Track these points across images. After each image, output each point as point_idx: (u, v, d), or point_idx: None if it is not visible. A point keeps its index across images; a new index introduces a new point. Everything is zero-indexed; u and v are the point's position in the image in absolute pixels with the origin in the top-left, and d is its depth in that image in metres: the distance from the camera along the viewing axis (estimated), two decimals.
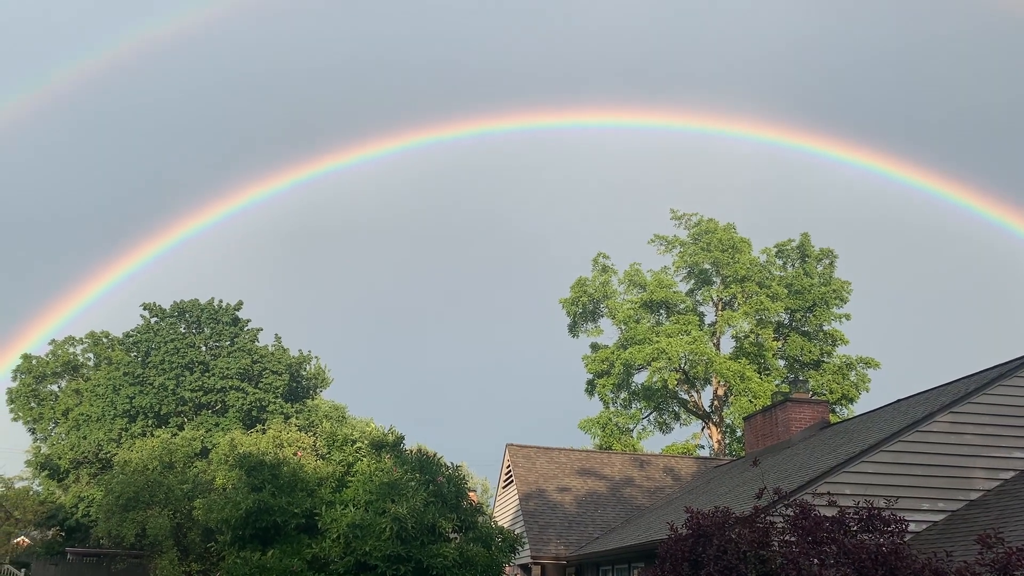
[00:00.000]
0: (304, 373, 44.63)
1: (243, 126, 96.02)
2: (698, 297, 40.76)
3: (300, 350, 44.38)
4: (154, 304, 41.83)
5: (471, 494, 16.84)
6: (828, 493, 11.75)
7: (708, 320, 40.37)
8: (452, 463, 16.02)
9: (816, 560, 9.45)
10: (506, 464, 27.37)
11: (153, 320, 41.55)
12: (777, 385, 36.44)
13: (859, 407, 37.09)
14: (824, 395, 36.37)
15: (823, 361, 38.76)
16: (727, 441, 38.62)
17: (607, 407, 39.57)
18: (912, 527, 12.02)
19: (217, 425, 37.95)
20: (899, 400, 18.52)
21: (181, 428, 37.83)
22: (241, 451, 27.27)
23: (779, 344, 39.12)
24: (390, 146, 67.16)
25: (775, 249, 40.83)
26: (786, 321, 39.65)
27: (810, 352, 38.39)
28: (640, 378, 39.00)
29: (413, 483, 15.15)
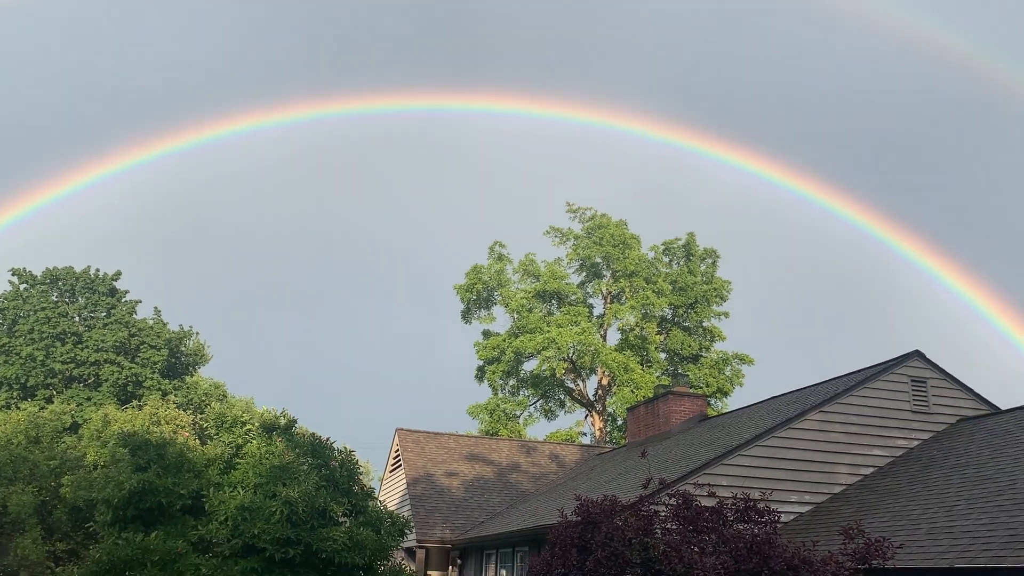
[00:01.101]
0: (184, 349, 43.16)
1: (123, 84, 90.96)
2: (588, 289, 41.81)
3: (180, 325, 42.93)
4: (24, 270, 39.53)
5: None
6: (708, 484, 12.45)
7: (597, 312, 41.48)
8: (346, 447, 16.01)
9: (696, 548, 10.03)
10: (395, 448, 27.43)
11: (23, 287, 39.27)
12: (658, 377, 37.85)
13: (733, 401, 39.04)
14: (702, 388, 38.03)
15: (702, 356, 40.51)
16: (609, 429, 39.85)
17: (496, 393, 40.12)
18: (782, 518, 12.88)
19: (89, 399, 36.32)
20: (773, 397, 19.68)
21: (50, 401, 35.99)
22: (118, 427, 26.28)
23: (662, 338, 40.61)
24: (280, 118, 65.30)
25: (663, 247, 42.30)
26: (669, 316, 41.19)
27: (690, 347, 40.04)
28: (530, 366, 39.78)
29: (305, 467, 15.06)
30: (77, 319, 39.32)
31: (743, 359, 39.95)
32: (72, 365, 37.33)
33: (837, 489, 15.38)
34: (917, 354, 16.64)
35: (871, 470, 15.65)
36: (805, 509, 15.02)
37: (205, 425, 28.44)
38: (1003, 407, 16.46)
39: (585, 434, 40.84)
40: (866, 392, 16.16)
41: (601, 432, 39.49)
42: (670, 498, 10.99)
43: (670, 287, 40.03)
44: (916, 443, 16.05)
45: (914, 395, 16.38)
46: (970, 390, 16.76)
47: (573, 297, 40.92)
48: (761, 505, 10.67)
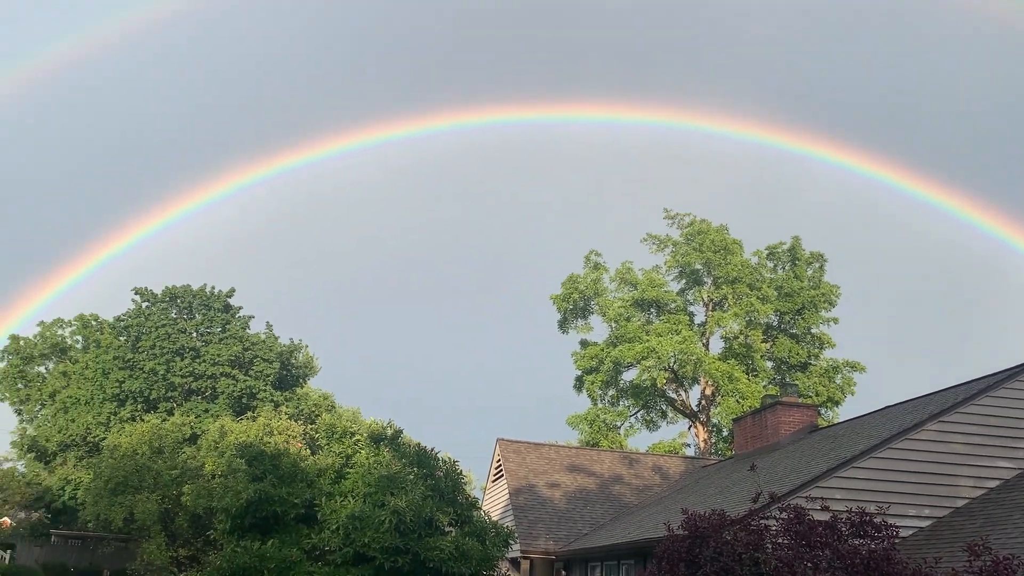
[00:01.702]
0: (294, 361, 44.81)
1: (237, 111, 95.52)
2: (689, 297, 41.12)
3: (291, 338, 44.64)
4: (146, 289, 41.83)
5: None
6: (821, 498, 12.05)
7: (698, 320, 40.74)
8: (449, 457, 16.25)
9: (810, 564, 9.72)
10: (496, 458, 27.63)
11: (144, 305, 41.55)
12: (765, 387, 36.87)
13: (844, 410, 37.62)
14: (810, 397, 36.81)
15: (810, 364, 39.22)
16: (713, 441, 39.04)
17: (595, 404, 39.88)
18: (901, 533, 12.35)
19: (207, 411, 38.07)
20: (886, 407, 18.88)
21: (171, 413, 37.91)
22: (234, 438, 27.46)
23: (767, 346, 39.53)
24: (382, 135, 67.08)
25: (766, 251, 41.22)
26: (775, 323, 40.06)
27: (798, 355, 38.83)
28: (629, 376, 39.38)
29: (411, 477, 15.38)
30: (195, 335, 41.31)
31: (854, 367, 38.46)
32: (191, 379, 39.21)
33: (959, 503, 14.61)
34: None
35: (996, 483, 14.80)
36: (925, 524, 14.33)
37: (316, 435, 29.37)
38: None
39: (689, 445, 40.17)
40: (988, 401, 15.30)
41: (706, 443, 38.72)
42: (781, 512, 10.69)
43: (775, 293, 38.92)
44: None
45: None
46: None
47: (673, 305, 40.32)
48: (878, 519, 10.27)
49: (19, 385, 45.37)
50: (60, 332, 46.53)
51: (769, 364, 39.32)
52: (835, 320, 39.49)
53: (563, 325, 41.82)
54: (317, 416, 37.83)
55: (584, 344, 41.38)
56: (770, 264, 40.91)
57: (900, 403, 18.55)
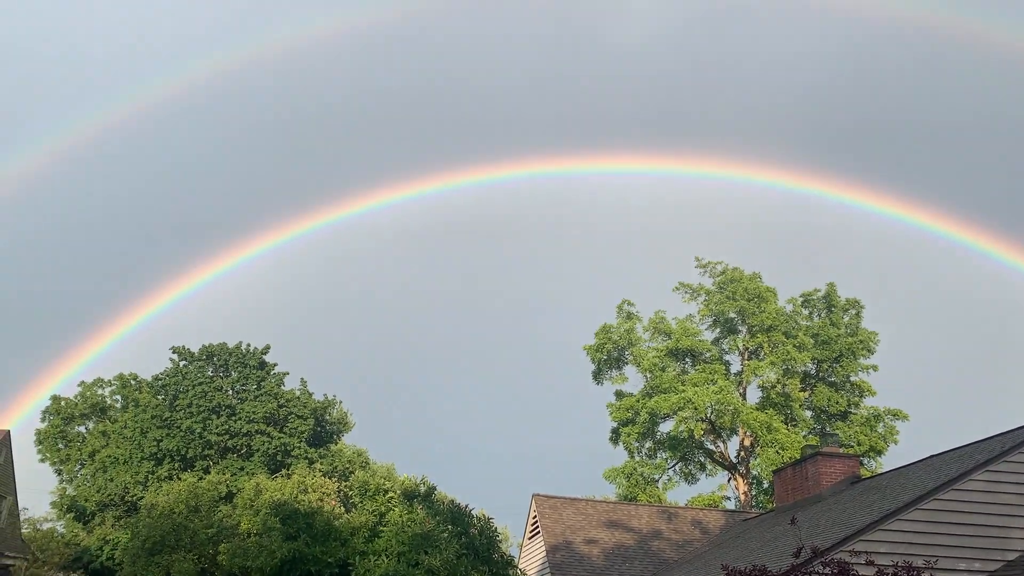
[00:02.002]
0: (328, 418, 44.89)
1: (270, 169, 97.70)
2: (724, 346, 40.66)
3: (325, 395, 44.72)
4: (183, 347, 42.35)
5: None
6: (865, 552, 11.69)
7: (734, 369, 40.21)
8: (483, 514, 16.09)
9: None
10: (532, 514, 27.25)
11: (182, 363, 42.03)
12: (804, 436, 36.13)
13: (888, 460, 36.66)
14: (852, 447, 35.97)
15: (850, 412, 38.43)
16: (754, 493, 38.19)
17: (632, 456, 39.32)
18: None
19: (242, 469, 38.12)
20: (931, 456, 18.37)
21: (207, 471, 38.02)
22: (269, 496, 27.43)
23: (806, 395, 38.85)
24: (410, 191, 68.07)
25: (801, 299, 40.78)
26: (812, 371, 39.43)
27: (837, 403, 38.10)
28: (666, 427, 38.81)
29: (445, 535, 15.22)
30: (230, 392, 41.64)
31: (897, 415, 37.58)
32: (227, 436, 39.41)
33: (1012, 555, 14.08)
34: None
35: None
36: None
37: (350, 493, 29.26)
38: None
39: (729, 498, 39.32)
40: None
41: (746, 496, 37.89)
42: (824, 567, 10.40)
43: (812, 341, 38.35)
44: None
45: None
46: None
47: (708, 354, 39.89)
48: (926, 574, 9.94)
49: (60, 445, 45.87)
50: (100, 392, 47.14)
51: (808, 413, 38.58)
52: (875, 367, 38.77)
53: (597, 376, 41.51)
54: (351, 473, 37.72)
55: (619, 395, 40.99)
56: (805, 311, 40.43)
57: (946, 452, 18.04)
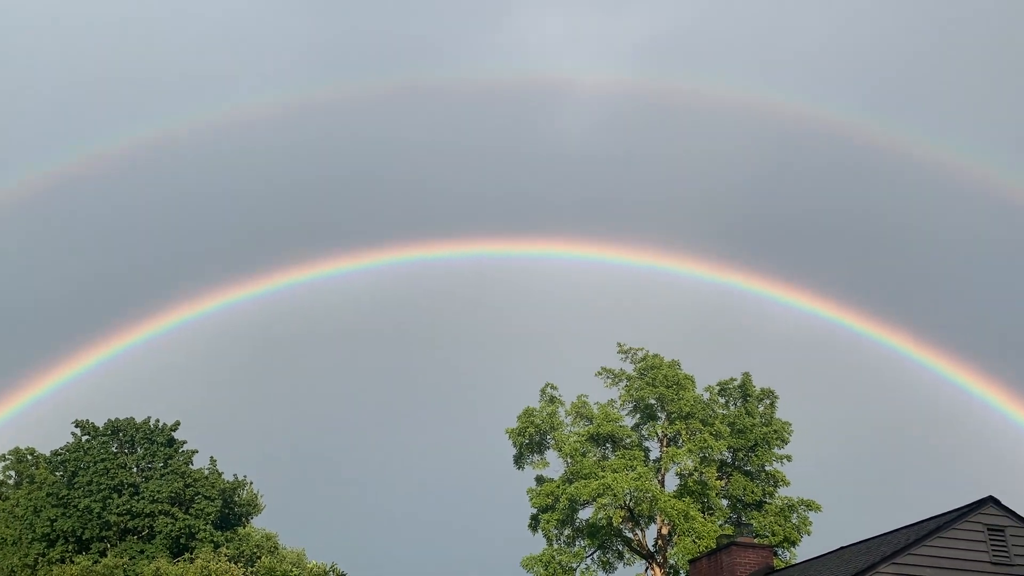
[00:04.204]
0: (237, 499, 43.19)
1: (185, 246, 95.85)
2: (643, 432, 40.89)
3: (235, 475, 43.15)
4: (87, 421, 40.51)
5: None
6: None
7: (653, 456, 40.40)
8: None
9: None
10: None
11: (84, 438, 40.13)
12: (720, 526, 36.29)
13: (801, 551, 37.02)
14: (767, 537, 36.25)
15: (765, 502, 38.88)
16: None
17: (551, 544, 38.70)
18: None
19: (142, 552, 36.21)
20: (842, 548, 18.71)
21: (103, 554, 35.94)
22: None
23: (722, 483, 39.21)
24: (337, 268, 67.53)
25: (718, 387, 41.51)
26: (729, 460, 39.92)
27: (753, 492, 38.52)
28: (585, 514, 38.47)
29: None
30: (135, 470, 39.84)
31: (810, 505, 38.18)
32: (127, 517, 37.49)
33: None
34: (991, 500, 15.80)
35: None
36: None
37: None
38: None
39: None
40: (940, 542, 15.30)
41: None
42: None
43: (728, 429, 38.97)
44: None
45: (992, 545, 15.45)
46: None
47: (628, 440, 40.05)
48: None
49: None
50: None
51: (724, 502, 38.87)
52: (788, 458, 39.48)
53: (519, 460, 41.09)
54: (259, 558, 36.18)
55: (540, 480, 40.61)
56: (722, 400, 41.15)
57: (855, 544, 18.42)
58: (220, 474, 41.45)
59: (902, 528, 17.07)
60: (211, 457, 42.89)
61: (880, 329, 55.00)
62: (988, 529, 15.49)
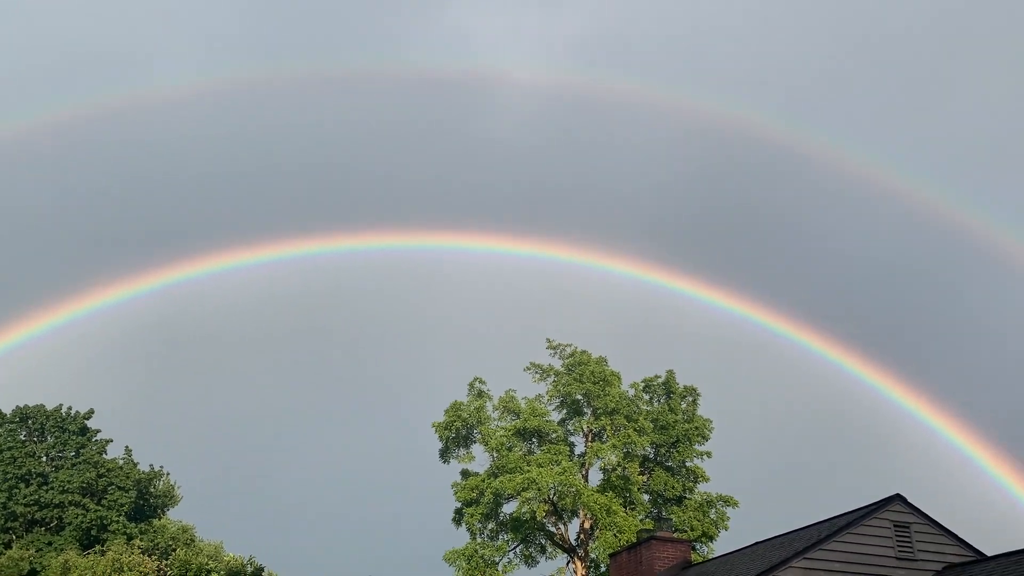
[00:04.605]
0: (153, 490, 41.95)
1: (104, 226, 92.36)
2: (569, 427, 41.27)
3: (151, 465, 41.86)
4: None
5: None
6: None
7: (578, 451, 40.82)
8: None
9: None
10: None
11: None
12: (641, 520, 36.90)
13: (719, 545, 37.94)
14: (686, 532, 37.02)
15: (685, 497, 39.68)
16: None
17: (474, 538, 38.75)
18: None
19: (50, 544, 34.90)
20: (757, 543, 19.23)
21: (8, 546, 34.50)
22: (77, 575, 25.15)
23: (644, 478, 39.87)
24: (265, 255, 66.08)
25: (643, 384, 42.17)
26: (651, 455, 40.61)
27: (673, 488, 39.29)
28: (509, 508, 38.65)
29: None
30: (44, 459, 38.36)
31: (727, 501, 39.14)
32: (35, 508, 36.08)
33: None
34: (898, 498, 16.45)
35: None
36: None
37: (169, 572, 27.31)
38: (989, 553, 16.13)
39: None
40: (849, 538, 15.86)
41: None
42: None
43: (651, 425, 39.65)
44: None
45: (898, 540, 16.08)
46: (954, 535, 16.48)
47: (554, 435, 40.35)
48: None
49: None
50: None
51: (646, 497, 39.54)
52: (708, 454, 40.41)
53: (444, 455, 40.97)
54: (173, 551, 35.26)
55: (465, 474, 40.59)
56: (646, 396, 41.83)
57: (769, 539, 18.94)
58: (135, 464, 40.22)
59: (814, 524, 17.64)
60: (126, 447, 41.64)
61: (796, 329, 56.72)
62: (894, 525, 16.13)
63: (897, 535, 16.08)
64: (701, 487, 39.85)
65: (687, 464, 40.04)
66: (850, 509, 16.99)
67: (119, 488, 37.75)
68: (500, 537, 39.20)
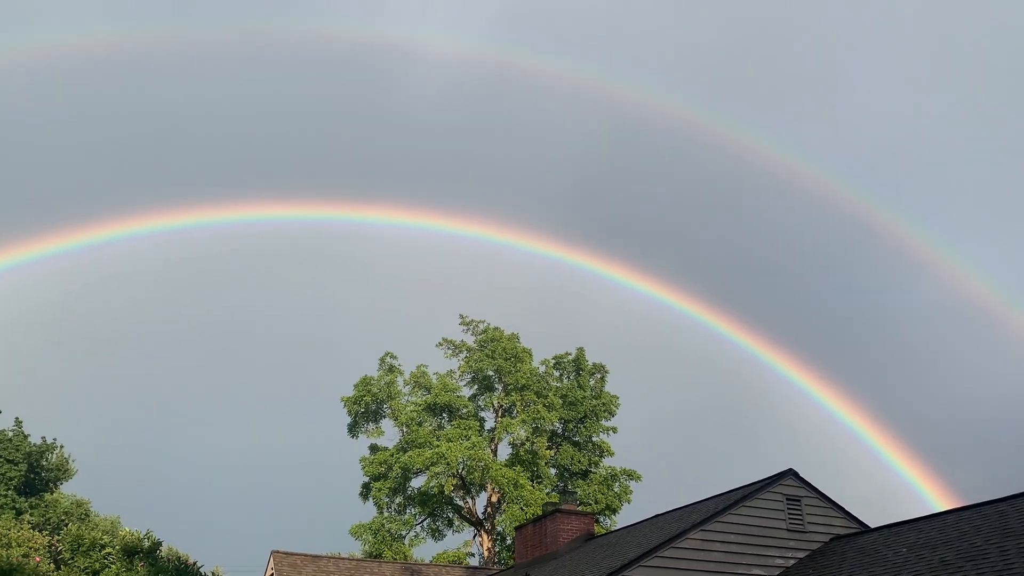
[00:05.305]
0: (45, 463, 40.26)
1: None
2: (480, 403, 41.56)
3: (43, 437, 40.14)
4: None
5: None
6: None
7: (488, 426, 41.15)
8: (220, 572, 15.08)
9: None
10: (269, 572, 25.94)
11: None
12: (548, 494, 37.51)
13: (622, 518, 38.95)
14: (591, 505, 37.87)
15: (591, 471, 40.53)
16: (498, 550, 38.93)
17: (381, 512, 38.71)
18: None
19: None
20: (657, 515, 19.79)
21: None
22: None
23: (552, 453, 40.52)
24: (165, 223, 63.66)
25: (553, 360, 42.75)
26: (560, 431, 41.28)
27: (580, 462, 40.07)
28: (418, 483, 38.73)
29: None
30: None
31: (631, 475, 40.19)
32: None
33: None
34: (791, 473, 17.17)
35: None
36: None
37: (61, 548, 26.32)
38: (872, 525, 17.06)
39: (473, 555, 39.73)
40: (744, 510, 16.48)
41: (490, 552, 38.53)
42: None
43: (560, 401, 40.29)
44: (792, 562, 16.36)
45: (789, 513, 16.81)
46: (842, 509, 17.32)
47: (464, 411, 40.56)
48: None
49: None
50: None
51: (553, 471, 40.21)
52: (614, 429, 41.33)
53: (353, 429, 40.67)
54: (66, 525, 33.99)
55: (374, 449, 40.43)
56: (556, 373, 42.44)
57: (669, 512, 19.52)
58: (26, 436, 38.49)
59: (711, 497, 18.27)
60: (16, 418, 39.78)
61: (703, 310, 58.30)
62: (787, 499, 16.86)
63: (789, 508, 16.81)
64: (606, 461, 40.81)
65: (593, 439, 40.88)
66: (746, 483, 17.68)
67: (8, 461, 36.12)
68: (408, 511, 39.29)
